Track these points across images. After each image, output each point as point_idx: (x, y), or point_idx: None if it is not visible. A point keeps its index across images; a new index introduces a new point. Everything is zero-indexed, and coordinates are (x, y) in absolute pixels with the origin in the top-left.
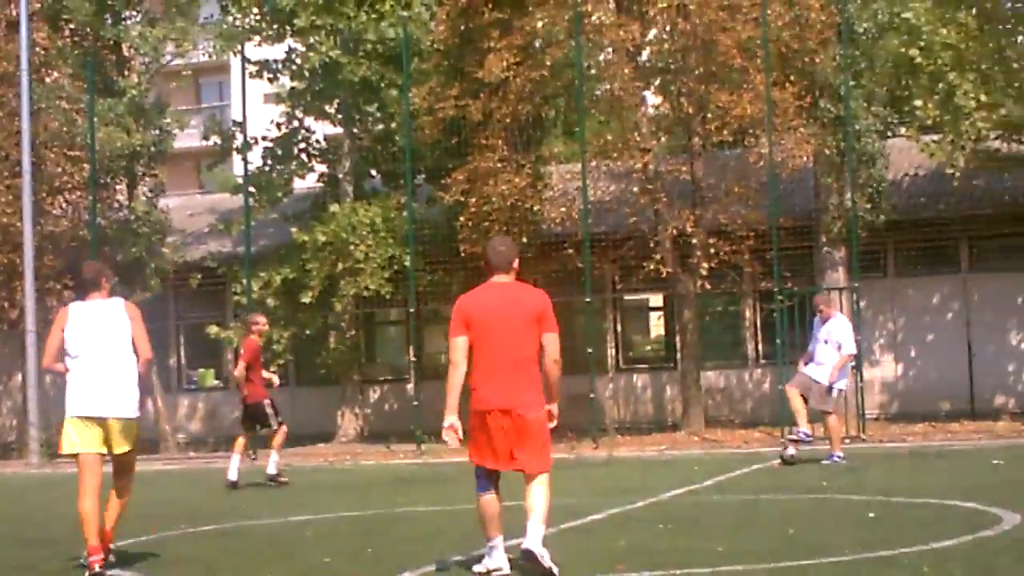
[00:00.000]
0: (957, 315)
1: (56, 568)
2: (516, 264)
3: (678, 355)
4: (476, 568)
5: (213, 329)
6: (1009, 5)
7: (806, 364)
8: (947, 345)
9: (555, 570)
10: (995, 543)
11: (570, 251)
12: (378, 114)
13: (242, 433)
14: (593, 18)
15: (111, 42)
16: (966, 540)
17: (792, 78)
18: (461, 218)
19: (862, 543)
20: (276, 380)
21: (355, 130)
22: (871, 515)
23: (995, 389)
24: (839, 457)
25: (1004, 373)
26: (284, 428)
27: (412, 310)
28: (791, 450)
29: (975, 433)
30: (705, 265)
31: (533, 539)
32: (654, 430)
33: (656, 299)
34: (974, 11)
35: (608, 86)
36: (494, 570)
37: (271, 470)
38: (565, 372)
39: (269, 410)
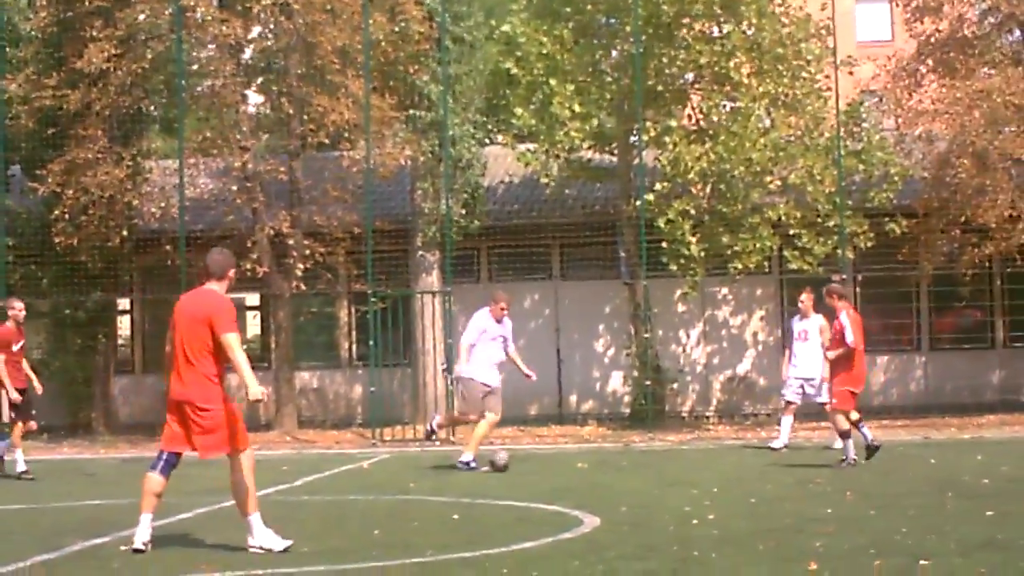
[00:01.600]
0: (547, 321)
1: None
2: (231, 273)
3: (272, 355)
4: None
5: None
6: (604, 20)
7: None
8: (537, 350)
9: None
10: (574, 545)
11: (167, 247)
12: None
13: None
14: (196, 13)
15: None
16: (546, 542)
17: (392, 84)
18: (57, 210)
19: (445, 544)
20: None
21: None
22: (455, 517)
23: (582, 394)
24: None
25: (591, 379)
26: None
27: (1, 304)
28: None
29: (562, 437)
30: (300, 266)
31: (256, 535)
32: (248, 430)
33: (253, 298)
34: (571, 24)
35: (210, 82)
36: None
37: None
38: (158, 370)
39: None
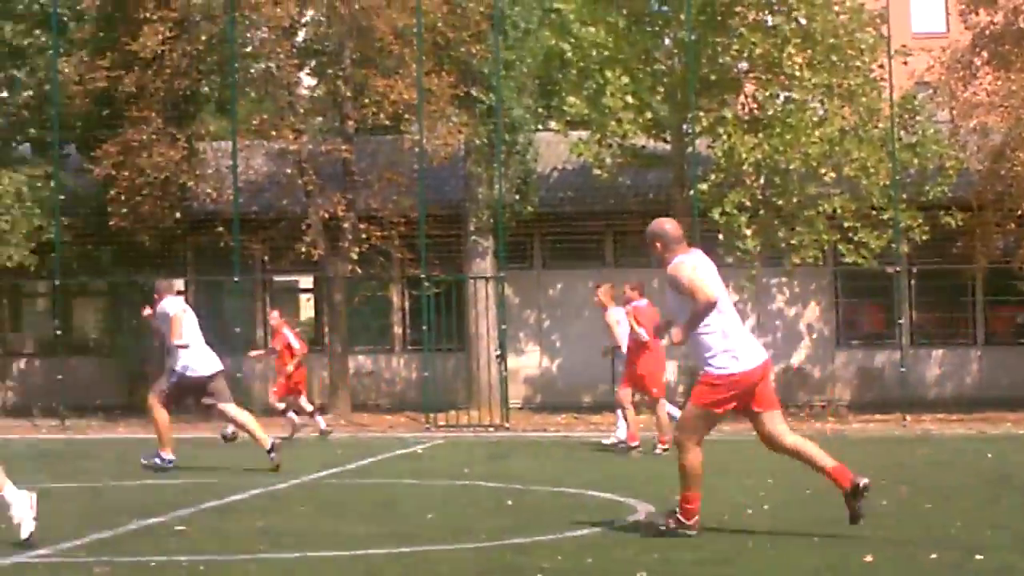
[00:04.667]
0: (596, 310)
1: None
2: None
3: (327, 338)
4: None
5: None
6: (657, 7)
7: None
8: (591, 337)
9: None
10: (627, 532)
11: (220, 229)
12: (28, 79)
13: None
14: None
15: None
16: (598, 530)
17: (447, 67)
18: (112, 191)
19: (499, 529)
20: None
21: (4, 94)
22: (509, 503)
23: None
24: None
25: None
26: None
27: (57, 283)
28: None
29: (616, 425)
30: (355, 249)
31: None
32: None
33: (306, 281)
34: (624, 11)
35: (263, 64)
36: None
37: None
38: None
39: None
